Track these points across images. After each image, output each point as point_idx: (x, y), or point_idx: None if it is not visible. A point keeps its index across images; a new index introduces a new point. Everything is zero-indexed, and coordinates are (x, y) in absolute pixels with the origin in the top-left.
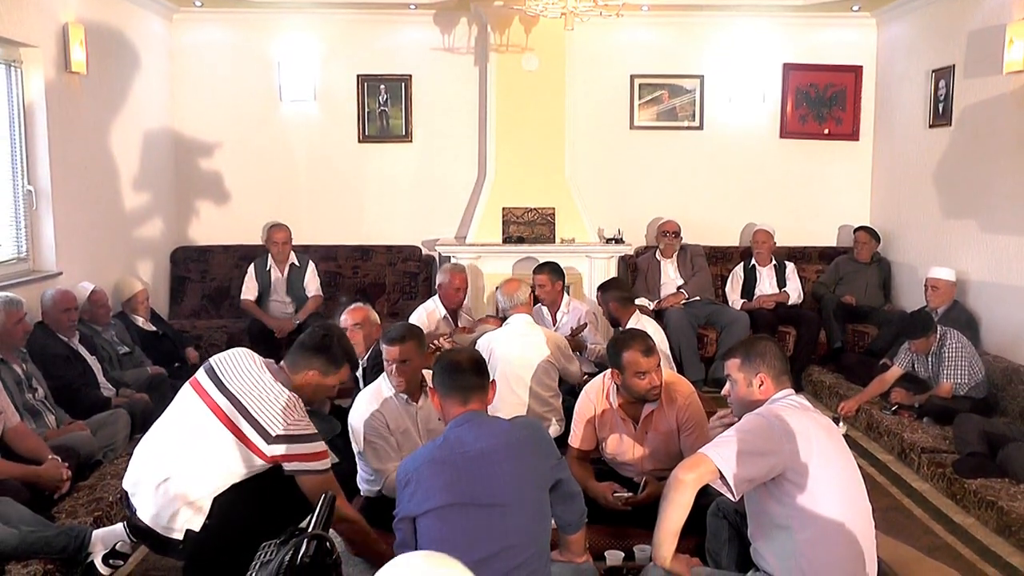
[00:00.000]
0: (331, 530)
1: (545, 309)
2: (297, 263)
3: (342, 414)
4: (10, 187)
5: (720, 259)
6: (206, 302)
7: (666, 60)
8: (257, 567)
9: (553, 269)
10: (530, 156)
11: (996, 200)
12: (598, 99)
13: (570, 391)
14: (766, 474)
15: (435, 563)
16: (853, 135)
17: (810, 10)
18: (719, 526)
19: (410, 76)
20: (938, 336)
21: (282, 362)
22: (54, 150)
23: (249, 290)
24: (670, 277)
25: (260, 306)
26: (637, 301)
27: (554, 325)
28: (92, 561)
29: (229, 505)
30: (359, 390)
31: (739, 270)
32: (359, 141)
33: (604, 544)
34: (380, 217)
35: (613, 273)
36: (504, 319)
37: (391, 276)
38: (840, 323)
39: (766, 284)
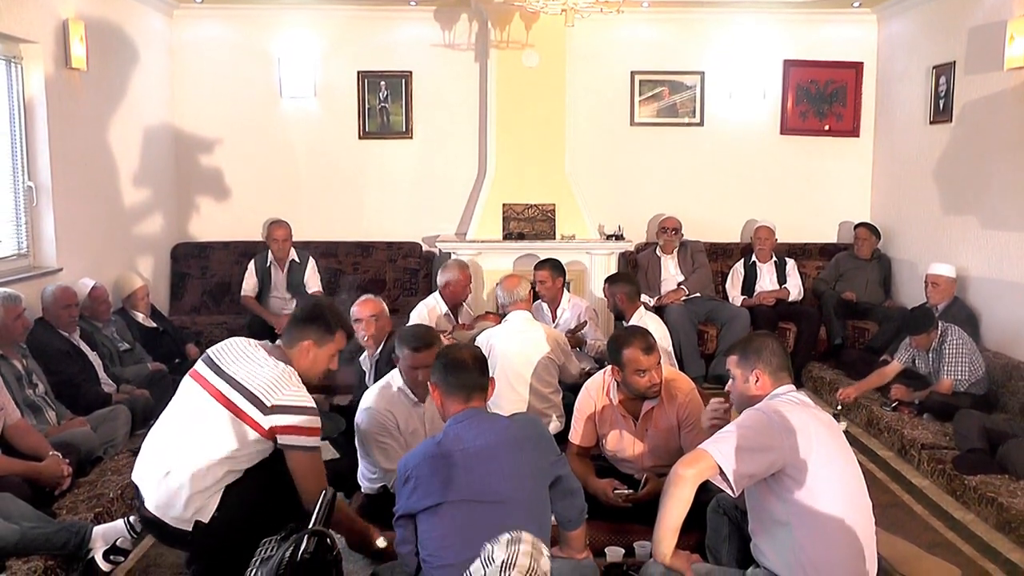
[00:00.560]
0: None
1: (545, 306)
2: (297, 259)
3: (343, 411)
4: (10, 183)
5: (720, 255)
6: (206, 298)
7: (667, 56)
8: (258, 563)
9: (554, 266)
10: (530, 152)
11: (996, 196)
12: (598, 95)
13: (570, 387)
14: (766, 470)
15: None
16: (854, 131)
17: (811, 6)
18: (719, 522)
19: (410, 72)
20: (939, 332)
21: (278, 341)
22: (54, 146)
23: (249, 286)
24: (670, 273)
25: (260, 302)
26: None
27: (554, 322)
28: (93, 557)
29: (239, 498)
30: (364, 387)
31: (739, 266)
32: (359, 137)
33: (604, 540)
34: (380, 213)
35: (614, 269)
36: (503, 315)
37: (391, 272)
38: (840, 319)
39: (766, 280)
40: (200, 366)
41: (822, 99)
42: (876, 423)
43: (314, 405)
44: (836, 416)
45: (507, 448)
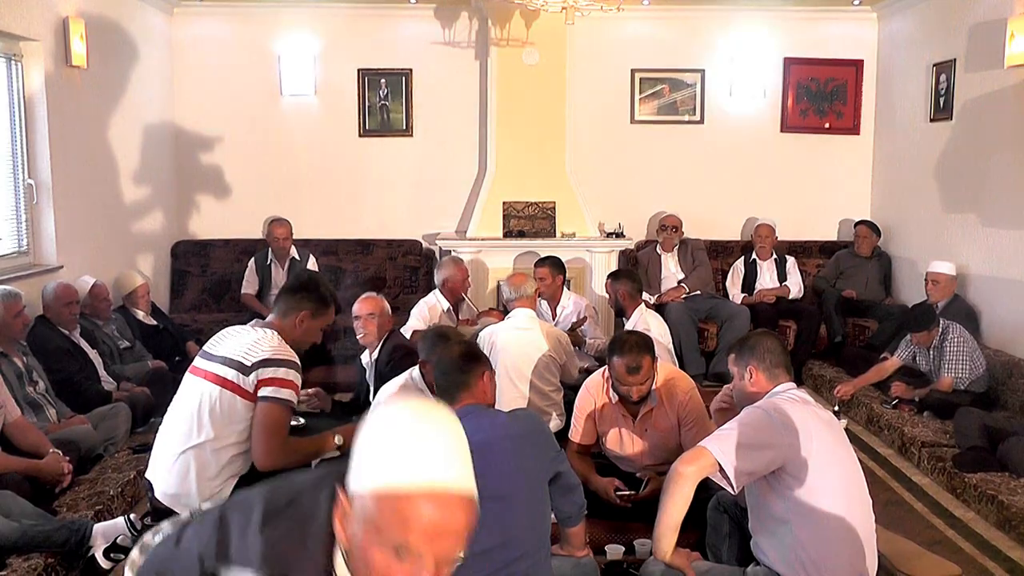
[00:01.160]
0: None
1: (545, 303)
2: (298, 257)
3: (344, 409)
4: (11, 181)
5: (721, 253)
6: (207, 296)
7: (667, 54)
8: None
9: (554, 263)
10: (531, 150)
11: (997, 194)
12: (599, 93)
13: (571, 386)
14: (766, 467)
15: (420, 415)
16: (854, 129)
17: (811, 4)
18: (719, 520)
19: (411, 70)
20: (940, 330)
21: (269, 317)
22: (54, 144)
23: (250, 284)
24: (671, 271)
25: (261, 300)
26: None
27: (554, 319)
28: (93, 555)
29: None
30: (365, 383)
31: (740, 264)
32: (359, 135)
33: (604, 538)
34: (381, 211)
35: (614, 267)
36: (506, 311)
37: (392, 270)
38: (840, 317)
39: (767, 278)
40: (196, 359)
41: (822, 97)
42: (876, 421)
43: (297, 361)
44: (836, 414)
45: (506, 444)
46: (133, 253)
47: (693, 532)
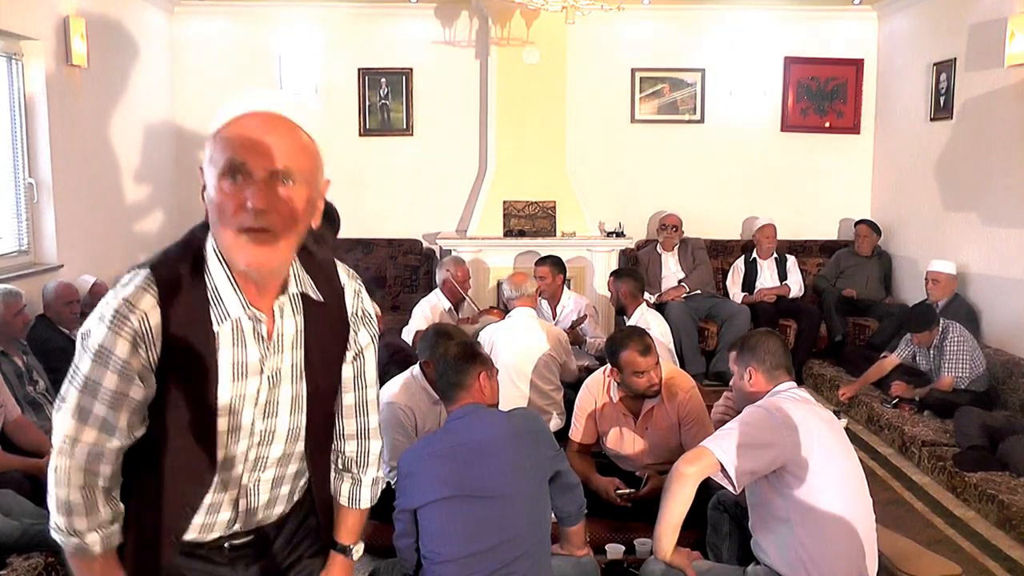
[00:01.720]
0: None
1: (545, 303)
2: None
3: None
4: (11, 180)
5: (721, 252)
6: None
7: (667, 54)
8: None
9: (555, 262)
10: (531, 149)
11: (997, 193)
12: (599, 93)
13: (571, 385)
14: (767, 466)
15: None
16: (854, 128)
17: (811, 3)
18: (720, 519)
19: (411, 69)
20: (940, 329)
21: None
22: (55, 143)
23: None
24: (671, 271)
25: None
26: None
27: (554, 319)
28: None
29: None
30: None
31: (740, 263)
32: (360, 135)
33: (605, 537)
34: (381, 210)
35: (614, 266)
36: (507, 311)
37: (392, 269)
38: (841, 316)
39: (767, 277)
40: None
41: (823, 96)
42: (877, 420)
43: None
44: (837, 413)
45: (506, 443)
46: (133, 252)
47: (693, 531)
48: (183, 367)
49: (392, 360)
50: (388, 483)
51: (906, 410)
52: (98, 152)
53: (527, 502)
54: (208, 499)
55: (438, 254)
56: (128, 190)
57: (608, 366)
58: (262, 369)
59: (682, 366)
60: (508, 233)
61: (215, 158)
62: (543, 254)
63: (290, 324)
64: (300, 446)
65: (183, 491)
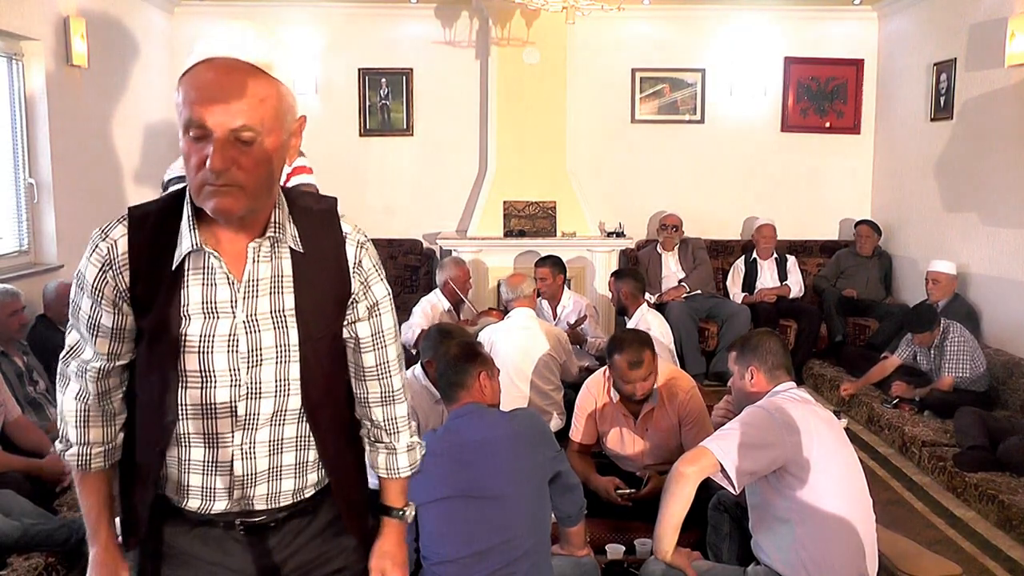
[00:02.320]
0: None
1: (546, 303)
2: None
3: None
4: (11, 180)
5: (721, 252)
6: None
7: (667, 54)
8: None
9: (555, 263)
10: (531, 150)
11: (997, 193)
12: (599, 93)
13: (572, 385)
14: (767, 467)
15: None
16: (854, 129)
17: (811, 3)
18: (720, 520)
19: (411, 70)
20: (940, 329)
21: None
22: (55, 143)
23: None
24: (671, 271)
25: None
26: None
27: (555, 319)
28: None
29: None
30: None
31: (740, 263)
32: (360, 135)
33: (605, 538)
34: (381, 210)
35: (615, 266)
36: (506, 311)
37: (392, 269)
38: (841, 316)
39: (767, 277)
40: None
41: (823, 96)
42: (877, 420)
43: None
44: (837, 413)
45: (506, 443)
46: None
47: (694, 531)
48: (150, 298)
49: None
50: None
51: (906, 410)
52: (98, 152)
53: (527, 502)
54: (198, 456)
55: (438, 254)
56: (128, 190)
57: (608, 366)
58: (234, 312)
59: (682, 366)
60: (508, 233)
61: (179, 108)
62: (543, 254)
63: (265, 268)
64: (295, 402)
65: (152, 430)
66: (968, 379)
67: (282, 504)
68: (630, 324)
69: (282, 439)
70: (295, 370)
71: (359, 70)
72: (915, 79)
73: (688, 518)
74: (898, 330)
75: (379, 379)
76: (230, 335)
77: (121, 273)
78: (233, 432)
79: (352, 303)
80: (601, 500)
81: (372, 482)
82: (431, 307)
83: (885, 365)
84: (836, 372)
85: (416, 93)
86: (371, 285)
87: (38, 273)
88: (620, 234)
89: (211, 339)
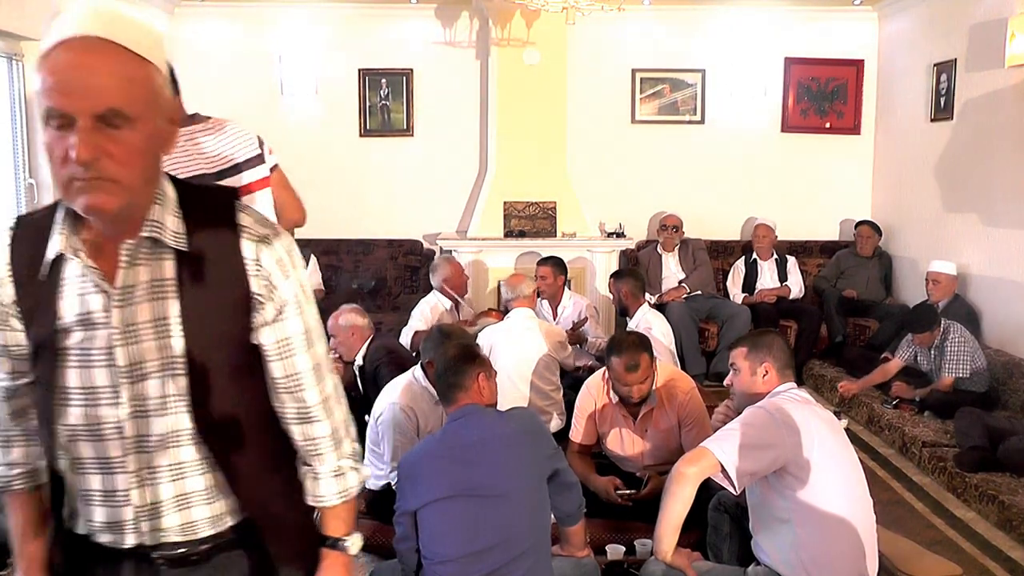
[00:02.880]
0: None
1: (546, 303)
2: None
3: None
4: (12, 180)
5: (721, 253)
6: None
7: (667, 54)
8: None
9: (556, 263)
10: (531, 150)
11: (997, 194)
12: (599, 93)
13: (571, 385)
14: (768, 467)
15: None
16: (855, 129)
17: (812, 4)
18: (720, 520)
19: (411, 70)
20: (941, 330)
21: None
22: None
23: None
24: (671, 271)
25: None
26: None
27: (555, 319)
28: None
29: None
30: (357, 391)
31: (740, 264)
32: (360, 135)
33: (605, 538)
34: (381, 211)
35: (615, 267)
36: (506, 311)
37: (392, 270)
38: (841, 317)
39: (767, 278)
40: None
41: (823, 97)
42: (877, 420)
43: None
44: (837, 414)
45: (504, 442)
46: None
47: (694, 532)
48: (32, 311)
49: (387, 362)
50: (388, 484)
51: (906, 411)
52: None
53: (526, 501)
54: (96, 484)
55: (438, 255)
56: None
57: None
58: (109, 322)
59: (682, 367)
60: (508, 234)
61: (38, 98)
62: (544, 255)
63: (144, 271)
64: (185, 420)
65: (47, 453)
66: (968, 379)
67: (201, 535)
68: (631, 324)
69: (181, 462)
70: (182, 384)
71: (359, 70)
72: (915, 79)
73: (688, 518)
74: (898, 331)
75: (290, 392)
76: (107, 347)
77: (4, 286)
78: (125, 456)
79: (257, 306)
80: (601, 501)
81: (370, 482)
82: (431, 309)
83: (887, 367)
84: (836, 373)
85: (416, 93)
86: (276, 284)
87: None
88: (620, 234)
89: (88, 353)
